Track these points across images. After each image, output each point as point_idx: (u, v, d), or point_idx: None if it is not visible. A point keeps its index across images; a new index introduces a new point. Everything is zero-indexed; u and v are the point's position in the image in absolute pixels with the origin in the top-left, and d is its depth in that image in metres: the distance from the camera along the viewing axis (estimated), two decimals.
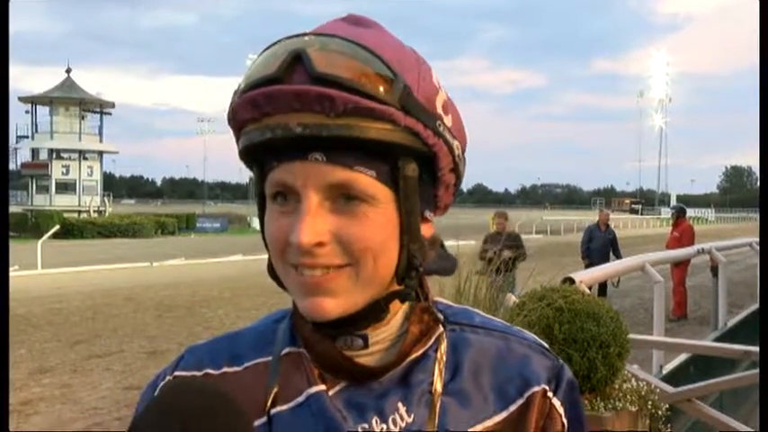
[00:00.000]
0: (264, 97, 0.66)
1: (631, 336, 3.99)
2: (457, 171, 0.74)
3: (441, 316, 0.77)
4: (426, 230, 0.73)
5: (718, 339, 7.87)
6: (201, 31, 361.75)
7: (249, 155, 0.71)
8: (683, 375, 5.92)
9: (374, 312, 0.71)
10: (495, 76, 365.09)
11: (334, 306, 0.68)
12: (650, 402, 3.86)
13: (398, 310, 0.75)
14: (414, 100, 0.67)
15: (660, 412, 3.91)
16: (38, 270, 17.68)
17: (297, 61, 0.65)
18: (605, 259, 10.97)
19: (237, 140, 0.71)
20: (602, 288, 10.99)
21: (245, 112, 0.68)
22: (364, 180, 0.67)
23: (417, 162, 0.69)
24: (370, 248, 0.67)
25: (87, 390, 7.16)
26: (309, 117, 0.65)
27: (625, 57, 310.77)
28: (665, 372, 5.94)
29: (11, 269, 15.13)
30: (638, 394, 3.81)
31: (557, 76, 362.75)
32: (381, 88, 0.65)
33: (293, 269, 0.69)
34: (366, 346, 0.73)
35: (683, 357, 6.42)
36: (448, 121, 0.71)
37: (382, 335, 0.74)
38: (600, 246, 11.67)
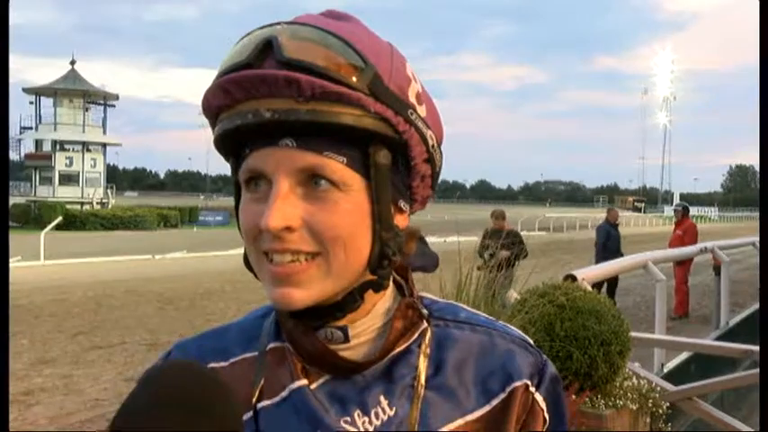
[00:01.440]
0: (233, 83, 0.67)
1: (633, 334, 3.99)
2: (432, 162, 0.73)
3: (425, 311, 0.78)
4: (401, 221, 0.73)
5: (719, 338, 7.87)
6: (204, 23, 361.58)
7: (224, 144, 0.71)
8: (683, 374, 5.92)
9: (348, 303, 0.72)
10: (497, 72, 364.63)
11: (301, 296, 0.68)
12: (651, 401, 3.87)
13: (377, 303, 0.75)
14: (384, 87, 0.67)
15: (661, 411, 3.92)
16: (40, 261, 17.71)
17: (267, 48, 0.66)
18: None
19: (213, 131, 0.72)
20: (612, 289, 10.93)
21: (216, 99, 0.69)
22: (335, 166, 0.67)
23: (390, 150, 0.70)
24: (340, 237, 0.68)
25: (88, 381, 7.18)
26: (278, 102, 0.65)
27: (629, 54, 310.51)
28: (666, 370, 5.95)
29: (14, 260, 15.18)
30: (638, 392, 3.82)
31: (560, 72, 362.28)
32: (350, 74, 0.66)
33: (265, 257, 0.69)
34: (347, 339, 0.74)
35: (684, 356, 6.42)
36: (421, 111, 0.71)
37: (362, 327, 0.74)
38: (617, 245, 11.48)
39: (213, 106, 0.69)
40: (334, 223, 0.67)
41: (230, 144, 0.71)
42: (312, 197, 0.67)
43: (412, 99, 0.70)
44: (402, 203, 0.73)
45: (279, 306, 0.70)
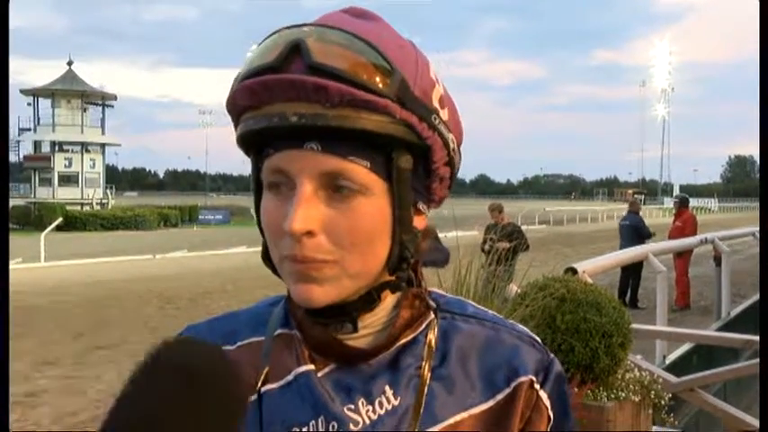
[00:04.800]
0: (261, 86, 0.67)
1: (634, 325, 3.98)
2: (452, 164, 0.74)
3: (433, 304, 0.78)
4: (419, 222, 0.74)
5: (721, 329, 7.87)
6: (203, 23, 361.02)
7: (246, 142, 0.72)
8: (686, 365, 5.93)
9: (365, 302, 0.73)
10: (495, 68, 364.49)
11: (322, 294, 0.69)
12: (653, 392, 3.86)
13: (388, 297, 0.76)
14: (410, 93, 0.68)
15: (663, 402, 3.91)
16: (41, 263, 17.72)
17: (295, 51, 0.66)
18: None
19: (236, 127, 0.72)
20: (623, 292, 11.06)
21: (242, 100, 0.69)
22: (358, 170, 0.67)
23: (412, 154, 0.70)
24: (359, 242, 0.68)
25: (91, 381, 7.19)
26: (306, 107, 0.65)
27: (626, 47, 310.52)
28: (668, 361, 5.96)
29: (14, 262, 15.17)
30: (640, 384, 3.81)
31: (557, 66, 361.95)
32: (378, 80, 0.66)
33: (285, 258, 0.70)
34: (355, 330, 0.74)
35: (686, 347, 6.43)
36: (444, 114, 0.72)
37: (371, 319, 0.75)
38: (648, 231, 12.00)
39: (239, 106, 0.70)
40: (355, 228, 0.68)
41: (253, 142, 0.71)
42: (334, 201, 0.68)
43: (435, 103, 0.70)
44: (421, 205, 0.73)
45: (300, 303, 0.71)
